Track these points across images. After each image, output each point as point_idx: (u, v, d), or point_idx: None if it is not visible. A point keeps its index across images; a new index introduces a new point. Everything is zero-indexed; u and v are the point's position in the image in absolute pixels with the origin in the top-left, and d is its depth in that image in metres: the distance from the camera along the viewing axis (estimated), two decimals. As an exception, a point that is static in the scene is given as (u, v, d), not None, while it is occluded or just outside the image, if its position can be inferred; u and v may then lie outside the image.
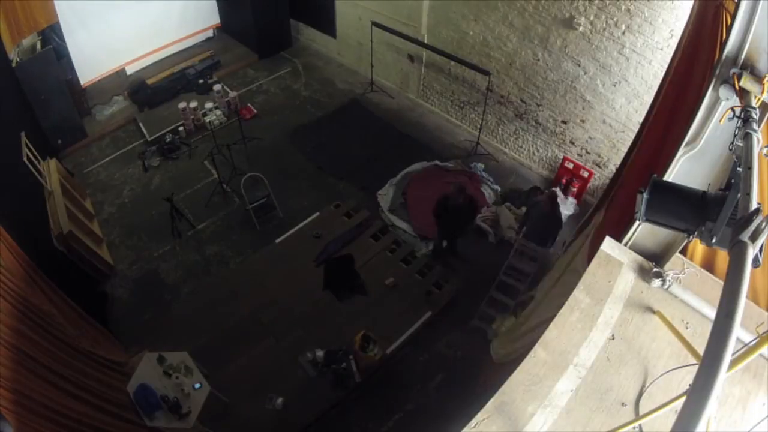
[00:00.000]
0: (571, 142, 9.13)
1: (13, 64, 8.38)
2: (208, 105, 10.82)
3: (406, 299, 7.67)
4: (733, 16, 2.94)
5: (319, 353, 6.86)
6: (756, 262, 1.85)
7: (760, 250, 1.88)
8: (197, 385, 5.85)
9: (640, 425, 3.21)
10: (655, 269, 3.88)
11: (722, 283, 1.78)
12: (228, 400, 6.42)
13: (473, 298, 7.57)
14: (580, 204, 9.16)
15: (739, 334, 1.61)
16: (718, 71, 3.09)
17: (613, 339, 3.79)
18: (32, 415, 3.98)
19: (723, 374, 1.45)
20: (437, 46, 10.09)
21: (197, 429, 5.84)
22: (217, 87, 11.09)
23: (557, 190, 9.03)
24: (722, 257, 4.05)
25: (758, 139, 2.45)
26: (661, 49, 7.18)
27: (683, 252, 4.08)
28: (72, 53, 10.07)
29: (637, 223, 4.09)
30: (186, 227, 8.85)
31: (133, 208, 9.26)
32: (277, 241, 8.41)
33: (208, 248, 8.61)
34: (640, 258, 4.26)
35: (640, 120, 7.90)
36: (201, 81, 11.69)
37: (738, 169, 2.35)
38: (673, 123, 4.36)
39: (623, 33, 7.43)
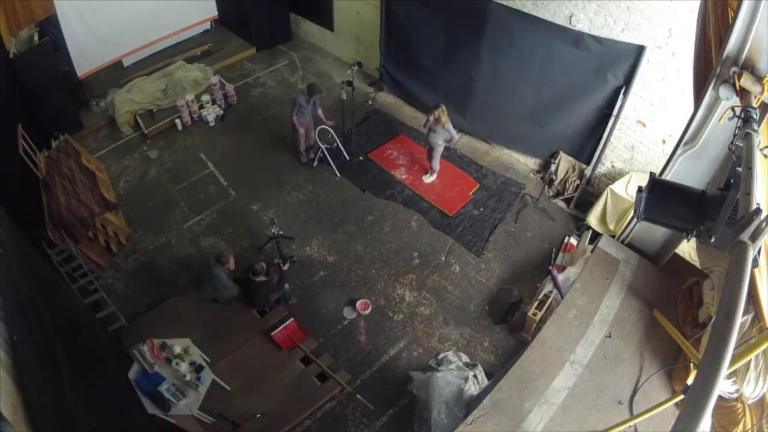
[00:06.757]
0: (567, 138, 9.11)
1: (11, 56, 8.33)
2: (205, 98, 10.76)
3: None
4: (735, 16, 2.93)
5: None
6: (754, 262, 1.86)
7: (759, 250, 1.89)
8: (202, 378, 6.02)
9: (635, 424, 3.23)
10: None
11: None
12: (230, 388, 6.47)
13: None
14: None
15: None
16: (718, 71, 3.09)
17: (610, 337, 3.81)
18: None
19: (723, 374, 1.46)
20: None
21: (199, 416, 5.95)
22: (214, 80, 11.02)
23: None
24: None
25: (759, 140, 2.45)
26: (659, 48, 7.17)
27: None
28: (69, 45, 9.98)
29: (635, 221, 4.10)
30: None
31: (129, 200, 9.20)
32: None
33: (203, 241, 8.58)
34: (637, 256, 4.28)
35: (637, 117, 7.93)
36: (198, 73, 11.60)
37: (738, 168, 2.36)
38: None
39: (622, 31, 7.42)
